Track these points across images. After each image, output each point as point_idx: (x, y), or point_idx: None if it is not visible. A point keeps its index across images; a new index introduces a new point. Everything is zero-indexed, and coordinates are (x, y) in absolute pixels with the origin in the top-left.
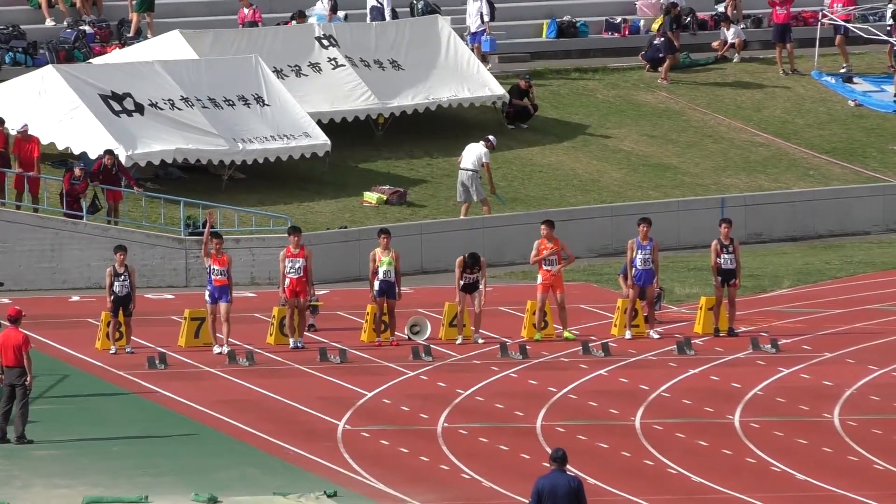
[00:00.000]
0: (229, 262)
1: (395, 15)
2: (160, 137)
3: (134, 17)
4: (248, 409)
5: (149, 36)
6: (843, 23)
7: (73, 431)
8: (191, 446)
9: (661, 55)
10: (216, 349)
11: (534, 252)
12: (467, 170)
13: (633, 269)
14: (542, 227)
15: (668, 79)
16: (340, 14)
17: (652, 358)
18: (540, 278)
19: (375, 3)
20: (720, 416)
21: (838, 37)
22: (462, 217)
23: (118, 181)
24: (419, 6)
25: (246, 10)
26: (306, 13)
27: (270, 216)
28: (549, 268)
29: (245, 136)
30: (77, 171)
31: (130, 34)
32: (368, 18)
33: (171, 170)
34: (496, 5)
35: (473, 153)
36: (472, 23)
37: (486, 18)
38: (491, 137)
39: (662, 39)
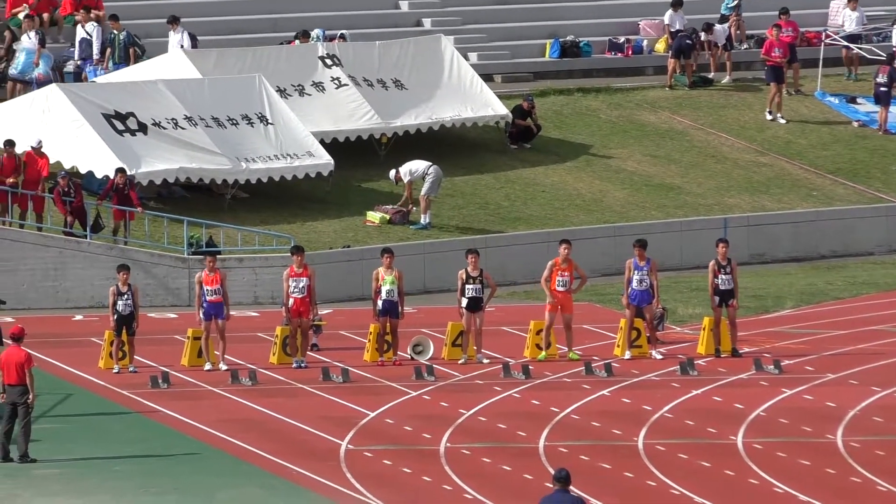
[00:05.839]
0: (223, 279)
1: (102, 49)
2: (163, 157)
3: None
4: (250, 429)
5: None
6: (846, 44)
7: (76, 450)
8: (193, 466)
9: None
10: (207, 366)
11: (546, 273)
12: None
13: (630, 289)
14: (562, 247)
15: None
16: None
17: (655, 378)
18: (550, 298)
19: (85, 35)
20: (723, 437)
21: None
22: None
23: (129, 200)
24: (121, 37)
25: None
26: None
27: (274, 236)
28: (562, 288)
29: (248, 156)
30: (61, 181)
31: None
32: (76, 54)
33: (175, 189)
34: (503, 24)
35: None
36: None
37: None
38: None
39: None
